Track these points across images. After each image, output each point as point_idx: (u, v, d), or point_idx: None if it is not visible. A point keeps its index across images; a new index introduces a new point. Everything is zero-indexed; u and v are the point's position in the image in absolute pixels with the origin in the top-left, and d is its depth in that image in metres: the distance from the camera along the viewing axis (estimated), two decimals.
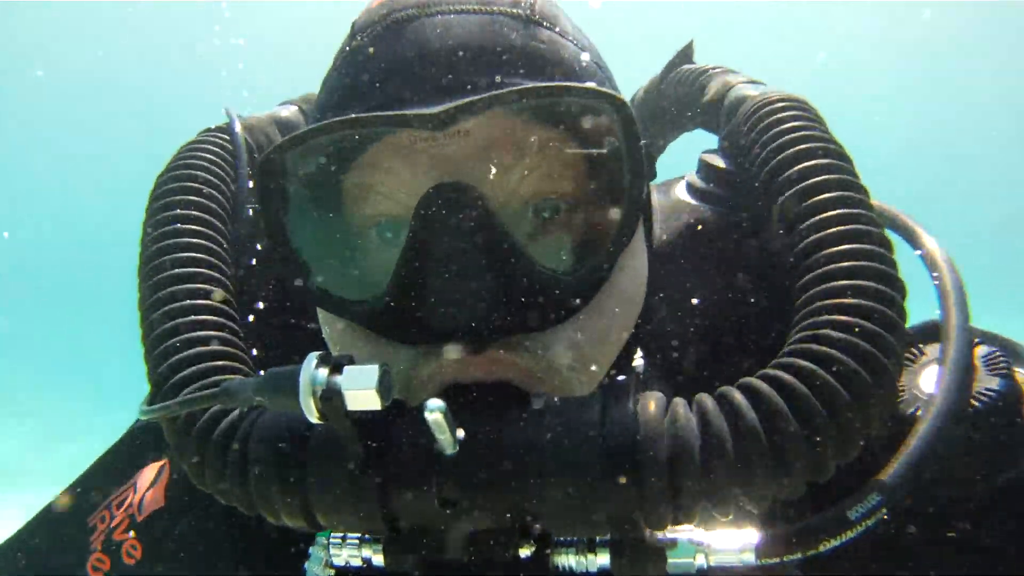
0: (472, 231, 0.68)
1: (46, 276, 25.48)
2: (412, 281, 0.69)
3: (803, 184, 0.79)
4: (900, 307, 0.73)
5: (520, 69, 0.72)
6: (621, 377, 0.71)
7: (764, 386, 0.67)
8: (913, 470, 0.74)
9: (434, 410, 0.62)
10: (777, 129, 0.84)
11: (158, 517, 1.02)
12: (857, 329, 0.69)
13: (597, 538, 0.71)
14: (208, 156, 0.92)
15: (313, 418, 0.65)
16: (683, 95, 1.21)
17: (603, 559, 0.70)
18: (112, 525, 1.05)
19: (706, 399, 0.69)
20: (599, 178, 0.74)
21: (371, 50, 0.75)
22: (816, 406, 0.66)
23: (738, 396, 0.67)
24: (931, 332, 0.93)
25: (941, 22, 23.20)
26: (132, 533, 1.03)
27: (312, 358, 0.65)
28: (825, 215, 0.76)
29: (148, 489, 1.05)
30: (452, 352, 0.70)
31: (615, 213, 0.72)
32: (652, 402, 0.67)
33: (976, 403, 0.82)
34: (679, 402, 0.69)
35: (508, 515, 0.66)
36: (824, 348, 0.68)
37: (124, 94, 23.86)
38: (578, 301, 0.73)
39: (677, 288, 0.93)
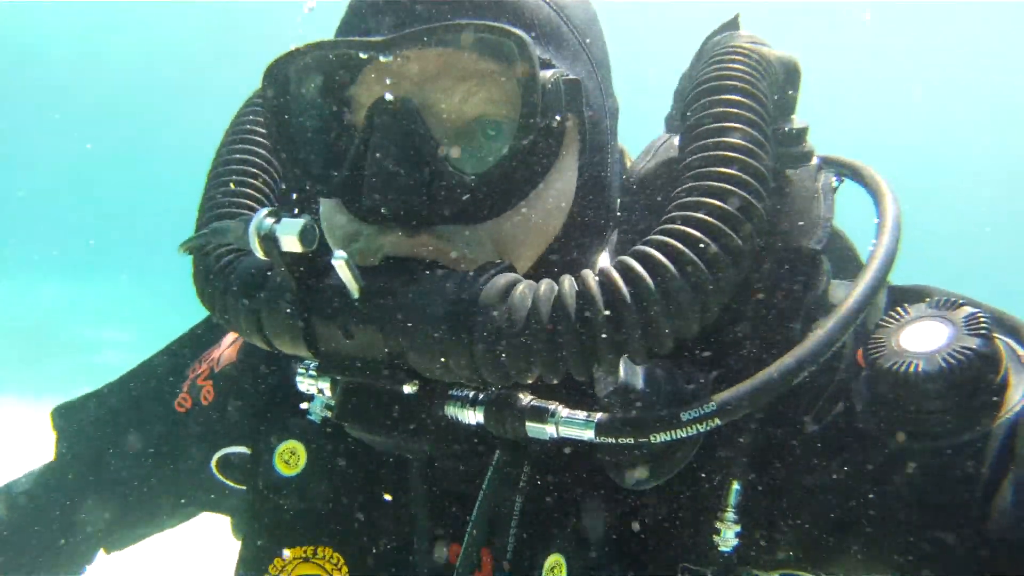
0: (404, 135, 0.84)
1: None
2: (360, 171, 0.86)
3: (689, 125, 0.89)
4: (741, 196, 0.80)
5: (467, 10, 0.87)
6: (498, 261, 0.84)
7: (596, 279, 0.78)
8: (757, 391, 0.80)
9: (338, 258, 0.78)
10: (703, 75, 0.93)
11: (230, 370, 1.24)
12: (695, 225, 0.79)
13: (480, 396, 0.86)
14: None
15: (259, 255, 0.82)
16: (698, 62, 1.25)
17: (479, 415, 0.85)
18: (198, 372, 1.29)
19: (563, 281, 0.80)
20: (511, 106, 0.87)
21: None
22: (624, 299, 0.75)
23: (586, 281, 0.78)
24: (917, 294, 0.98)
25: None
26: (211, 381, 1.26)
27: (263, 211, 0.83)
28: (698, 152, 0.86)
29: (228, 346, 1.28)
30: (388, 232, 0.86)
31: (522, 137, 0.85)
32: (503, 279, 0.80)
33: (952, 360, 0.84)
34: (528, 283, 0.80)
35: (386, 350, 0.81)
36: (666, 239, 0.79)
37: None
38: (496, 207, 0.88)
39: (642, 215, 1.02)
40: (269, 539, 1.09)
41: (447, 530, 1.03)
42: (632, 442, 0.81)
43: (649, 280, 0.76)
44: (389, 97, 0.86)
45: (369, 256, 0.89)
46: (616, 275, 0.78)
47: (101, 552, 1.43)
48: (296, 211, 1.01)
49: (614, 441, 0.82)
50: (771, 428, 0.94)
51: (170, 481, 1.32)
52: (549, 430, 0.84)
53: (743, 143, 0.84)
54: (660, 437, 0.80)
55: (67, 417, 1.39)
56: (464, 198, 0.86)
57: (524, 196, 0.90)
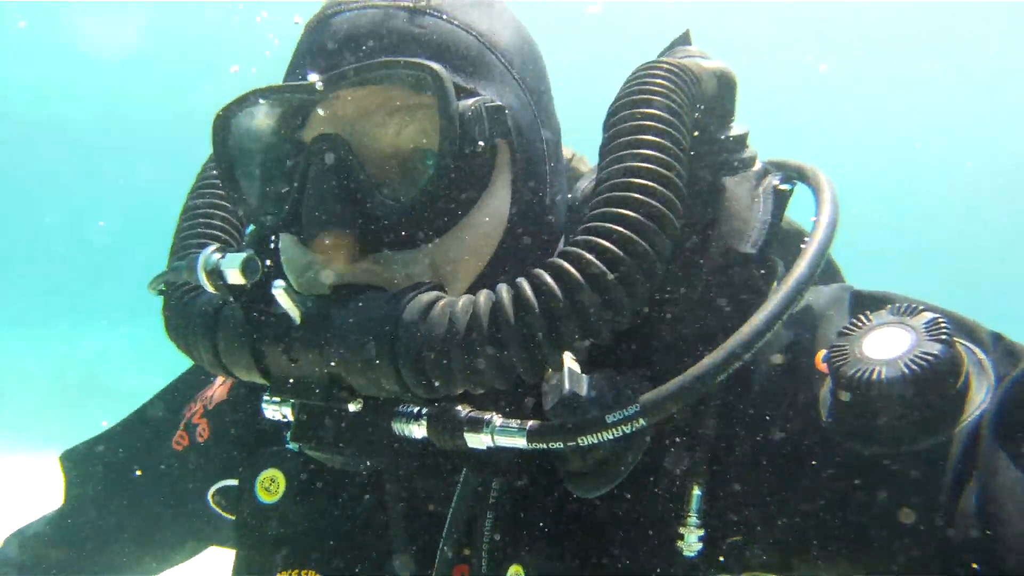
0: (337, 170, 0.89)
1: None
2: (300, 205, 0.91)
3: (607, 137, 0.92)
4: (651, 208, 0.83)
5: (394, 50, 0.92)
6: (425, 282, 0.88)
7: (511, 292, 0.82)
8: (681, 390, 0.82)
9: (277, 287, 0.83)
10: (623, 91, 0.96)
11: (222, 406, 1.30)
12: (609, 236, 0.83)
13: (424, 410, 0.88)
14: None
15: (208, 288, 0.88)
16: None
17: (423, 429, 0.88)
18: (193, 410, 1.35)
19: (478, 296, 0.84)
20: (435, 136, 0.90)
21: (303, 42, 1.00)
22: (534, 312, 0.80)
23: (500, 294, 0.82)
24: (879, 300, 0.99)
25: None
26: (205, 419, 1.32)
27: (210, 247, 0.89)
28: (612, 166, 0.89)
29: (220, 384, 1.34)
30: (333, 262, 0.91)
31: (444, 164, 0.89)
32: (425, 297, 0.84)
33: (914, 366, 0.84)
34: (448, 299, 0.84)
35: (326, 371, 0.85)
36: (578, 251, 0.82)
37: None
38: (431, 232, 0.92)
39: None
40: (255, 565, 1.13)
41: (425, 548, 1.05)
42: (563, 446, 0.83)
43: (554, 285, 0.80)
44: (321, 133, 0.91)
45: (318, 284, 0.93)
46: (522, 289, 0.82)
47: None
48: (254, 245, 1.06)
49: (546, 447, 0.84)
50: (733, 435, 0.96)
51: (175, 518, 1.38)
52: (485, 439, 0.86)
53: (655, 154, 0.87)
54: (588, 440, 0.82)
55: (74, 462, 1.46)
56: (398, 226, 0.90)
57: (457, 220, 0.93)
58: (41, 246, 27.88)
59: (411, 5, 0.95)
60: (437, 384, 0.82)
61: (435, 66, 0.88)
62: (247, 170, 0.99)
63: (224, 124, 0.97)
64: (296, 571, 1.10)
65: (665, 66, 0.96)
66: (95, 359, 17.41)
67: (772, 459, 0.94)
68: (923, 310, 0.91)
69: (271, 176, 0.99)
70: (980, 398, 0.86)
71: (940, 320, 0.88)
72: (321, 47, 0.96)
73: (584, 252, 0.82)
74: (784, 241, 1.10)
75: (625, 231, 0.82)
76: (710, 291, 0.95)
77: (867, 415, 0.87)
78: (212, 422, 1.32)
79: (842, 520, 0.90)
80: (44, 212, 27.85)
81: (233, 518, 1.28)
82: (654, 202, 0.84)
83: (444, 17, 0.96)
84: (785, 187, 1.07)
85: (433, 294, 0.86)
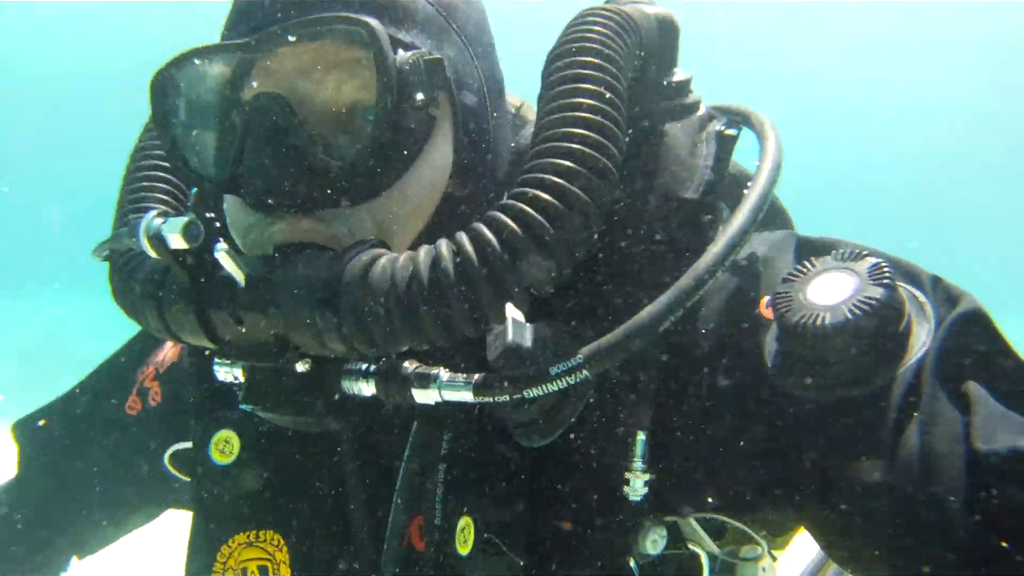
0: (275, 129, 0.87)
1: None
2: (242, 165, 0.90)
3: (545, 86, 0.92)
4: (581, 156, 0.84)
5: (331, 5, 0.90)
6: (368, 239, 0.88)
7: (450, 247, 0.83)
8: (624, 339, 0.84)
9: (220, 251, 0.83)
10: (561, 39, 0.96)
11: (173, 369, 1.30)
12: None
13: (371, 368, 0.89)
14: None
15: (151, 254, 0.87)
16: None
17: (372, 387, 0.89)
18: (145, 374, 1.34)
19: (419, 252, 0.84)
20: (374, 91, 0.89)
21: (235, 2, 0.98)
22: (473, 264, 0.81)
23: (439, 250, 0.83)
24: (825, 246, 1.00)
25: None
26: (157, 382, 1.31)
27: (151, 213, 0.88)
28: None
29: (172, 347, 1.33)
30: (276, 222, 0.90)
31: (382, 119, 0.88)
32: (366, 255, 0.84)
33: (857, 311, 0.86)
34: (389, 255, 0.84)
35: (272, 333, 0.85)
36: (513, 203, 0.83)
37: None
38: (372, 188, 0.91)
39: None
40: (213, 527, 1.13)
41: (380, 502, 1.06)
42: (508, 399, 0.84)
43: (493, 239, 0.81)
44: (259, 94, 0.89)
45: (263, 245, 0.92)
46: (461, 243, 0.82)
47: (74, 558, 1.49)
48: (198, 208, 1.04)
49: (492, 400, 0.85)
50: (678, 382, 0.97)
51: (132, 483, 1.38)
52: (432, 395, 0.88)
53: (591, 102, 0.87)
54: (533, 392, 0.83)
55: (26, 431, 1.45)
56: (340, 183, 0.90)
57: (400, 175, 0.93)
58: None
59: None
60: (380, 342, 0.82)
61: (371, 21, 0.87)
62: (187, 132, 0.97)
63: (162, 85, 0.95)
64: (254, 531, 1.11)
65: (604, 13, 0.96)
66: (53, 327, 17.08)
67: (718, 406, 0.96)
68: (867, 255, 0.93)
69: (211, 137, 0.98)
70: (921, 340, 0.89)
71: (883, 265, 0.90)
72: (259, 2, 0.93)
73: (522, 204, 0.82)
74: (731, 186, 1.11)
75: (561, 181, 0.83)
76: (652, 237, 0.95)
77: (812, 360, 0.89)
78: (164, 385, 1.31)
79: (788, 465, 0.92)
80: None
81: (189, 479, 1.28)
82: (590, 151, 0.84)
83: None
84: (731, 132, 1.07)
85: (374, 252, 0.85)
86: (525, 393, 0.83)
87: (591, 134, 0.85)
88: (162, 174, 1.10)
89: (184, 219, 0.86)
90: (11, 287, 20.34)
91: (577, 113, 0.86)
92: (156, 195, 1.08)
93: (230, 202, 0.98)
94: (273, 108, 0.88)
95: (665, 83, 1.03)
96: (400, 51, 0.90)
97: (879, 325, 0.86)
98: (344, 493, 1.09)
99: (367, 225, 0.92)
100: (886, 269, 0.89)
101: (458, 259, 0.81)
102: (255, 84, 0.93)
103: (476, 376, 0.87)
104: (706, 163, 0.99)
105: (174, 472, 1.31)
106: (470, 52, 1.01)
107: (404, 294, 0.81)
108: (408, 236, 0.96)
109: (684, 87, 1.04)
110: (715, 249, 0.88)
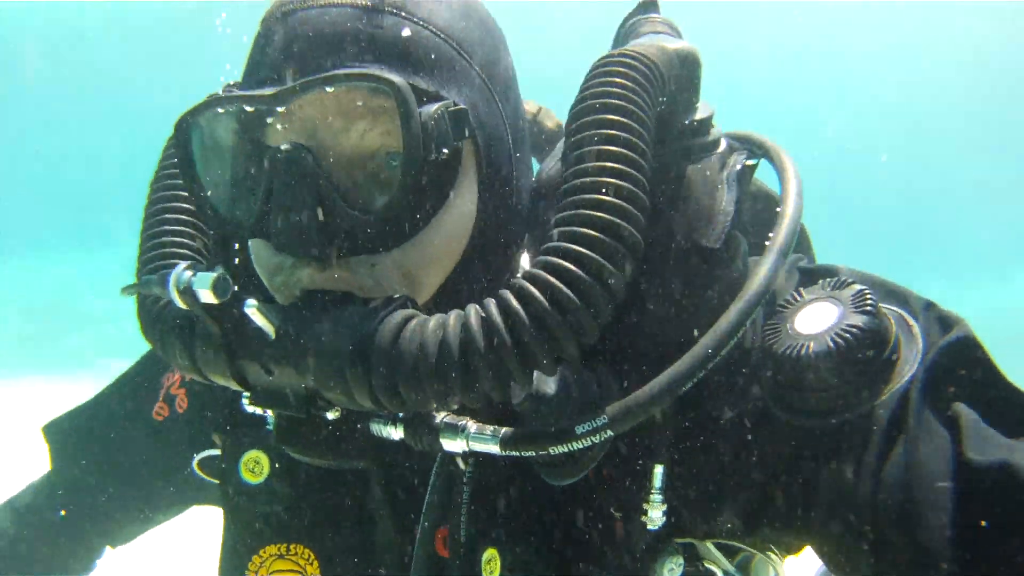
0: (299, 178, 0.88)
1: None
2: (268, 214, 0.90)
3: (574, 143, 0.92)
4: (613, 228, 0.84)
5: (351, 54, 0.90)
6: (396, 295, 0.89)
7: (479, 317, 0.83)
8: (650, 400, 0.86)
9: (250, 307, 0.85)
10: (585, 89, 0.95)
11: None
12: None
13: (401, 415, 0.91)
14: None
15: (181, 306, 0.88)
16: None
17: (401, 432, 0.92)
18: (171, 380, 1.37)
19: (448, 317, 0.85)
20: (399, 139, 0.89)
21: (261, 38, 0.97)
22: (495, 337, 0.81)
23: (469, 319, 0.83)
24: (824, 275, 1.02)
25: None
26: (184, 389, 1.34)
27: (181, 265, 0.88)
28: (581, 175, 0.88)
29: None
30: (303, 267, 0.92)
31: (408, 175, 0.89)
32: (397, 316, 0.85)
33: (839, 339, 0.89)
34: (419, 319, 0.85)
35: (303, 385, 0.87)
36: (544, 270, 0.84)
37: None
38: (397, 237, 0.92)
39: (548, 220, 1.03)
40: (245, 539, 1.18)
41: (407, 523, 1.11)
42: (534, 455, 0.87)
43: (522, 312, 0.82)
44: (285, 146, 0.89)
45: (290, 288, 0.94)
46: (491, 314, 0.83)
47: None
48: (222, 246, 1.07)
49: (518, 454, 0.87)
50: (690, 415, 1.00)
51: (161, 482, 1.43)
52: (460, 444, 0.90)
53: (615, 166, 0.87)
54: (558, 449, 0.86)
55: (58, 433, 1.50)
56: (366, 232, 0.91)
57: (426, 223, 0.93)
58: None
59: (368, 3, 0.92)
60: (410, 403, 0.84)
61: (395, 79, 0.87)
62: (211, 176, 0.98)
63: (184, 131, 0.96)
64: (284, 544, 1.15)
65: (626, 62, 0.95)
66: (61, 286, 17.18)
67: (724, 437, 0.99)
68: (852, 282, 0.96)
69: (235, 182, 0.98)
70: (909, 365, 0.91)
71: (866, 292, 0.93)
72: (283, 48, 0.93)
73: (551, 277, 0.83)
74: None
75: (590, 253, 0.83)
76: (671, 286, 0.97)
77: (799, 389, 0.92)
78: (190, 393, 1.35)
79: (787, 491, 0.96)
80: None
81: (218, 482, 1.33)
82: (617, 220, 0.84)
83: (403, 15, 0.94)
84: (751, 163, 1.09)
85: (403, 314, 0.86)
86: (550, 450, 0.86)
87: (619, 203, 0.85)
88: (185, 206, 1.11)
89: (213, 275, 0.87)
90: (18, 247, 20.39)
91: (602, 178, 0.86)
92: (181, 228, 1.09)
93: (256, 243, 0.99)
94: (298, 158, 0.88)
95: (687, 122, 1.03)
96: (426, 102, 0.90)
97: (861, 352, 0.89)
98: (371, 513, 1.13)
99: (392, 273, 0.93)
100: (868, 296, 0.92)
101: (488, 331, 0.82)
102: (279, 129, 0.93)
103: (504, 430, 0.89)
104: (727, 209, 0.99)
105: (204, 476, 1.35)
106: (490, 90, 1.01)
107: (434, 362, 0.82)
108: (434, 282, 0.98)
109: (705, 125, 1.04)
110: (737, 306, 0.90)
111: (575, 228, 0.85)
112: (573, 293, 0.82)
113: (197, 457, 1.34)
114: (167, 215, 1.09)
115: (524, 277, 0.85)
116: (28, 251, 20.19)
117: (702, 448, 1.00)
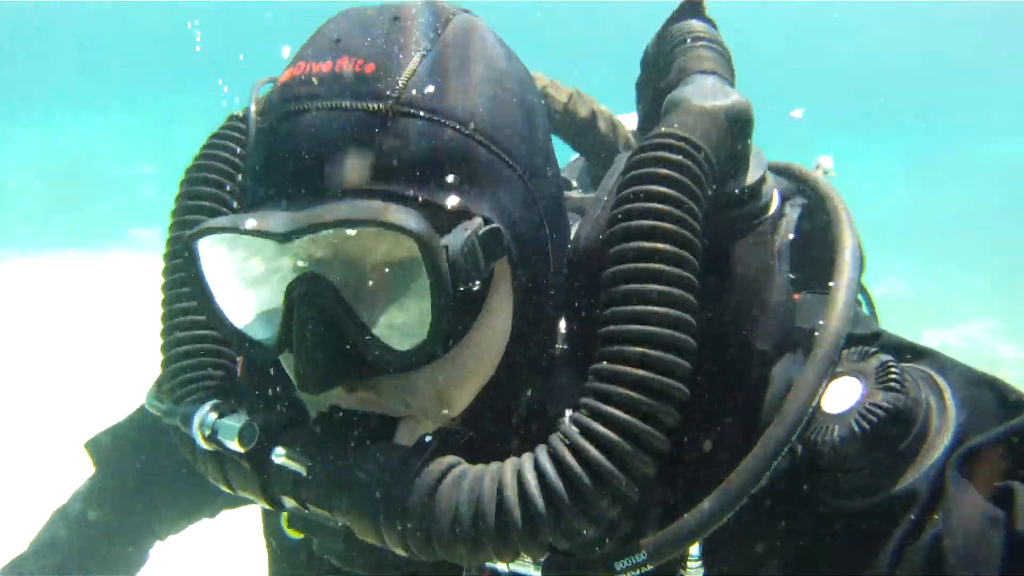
0: (321, 311, 0.83)
1: None
2: (288, 345, 0.87)
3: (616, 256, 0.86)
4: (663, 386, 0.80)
5: (365, 177, 0.81)
6: (428, 438, 0.87)
7: (515, 482, 0.80)
8: (689, 533, 0.85)
9: (278, 456, 0.85)
10: (629, 172, 0.89)
11: None
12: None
13: None
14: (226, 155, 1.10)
15: (205, 448, 0.89)
16: (653, 66, 1.16)
17: None
18: None
19: (484, 475, 0.82)
20: (423, 277, 0.82)
21: (267, 135, 0.87)
22: (541, 498, 0.79)
23: (504, 481, 0.80)
24: (862, 341, 0.97)
25: None
26: None
27: (205, 407, 0.89)
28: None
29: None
30: (325, 395, 0.88)
31: (440, 315, 0.81)
32: (434, 468, 0.83)
33: (864, 422, 0.86)
34: (456, 473, 0.83)
35: (339, 523, 0.87)
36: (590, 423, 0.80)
37: None
38: (427, 357, 0.86)
39: (586, 291, 0.99)
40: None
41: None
42: None
43: (578, 473, 0.79)
44: (301, 272, 0.85)
45: (320, 404, 0.91)
46: (526, 482, 0.80)
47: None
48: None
49: None
50: None
51: (197, 496, 1.52)
52: (501, 567, 0.91)
53: (662, 288, 0.82)
54: None
55: (100, 447, 1.58)
56: (390, 356, 0.86)
57: (456, 342, 0.88)
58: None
59: (382, 107, 0.81)
60: (441, 555, 0.83)
61: (416, 229, 0.78)
62: (223, 295, 0.92)
63: (191, 251, 0.89)
64: None
65: (676, 146, 0.87)
66: (78, 149, 17.08)
67: (757, 512, 0.96)
68: (874, 353, 0.92)
69: (250, 307, 0.94)
70: (943, 439, 0.88)
71: (890, 365, 0.89)
72: (291, 158, 0.83)
73: (586, 443, 0.79)
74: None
75: (632, 419, 0.79)
76: (717, 392, 0.93)
77: (829, 470, 0.90)
78: None
79: (815, 567, 0.96)
80: None
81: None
82: (663, 377, 0.80)
83: (422, 114, 0.82)
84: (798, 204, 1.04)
85: (440, 467, 0.83)
86: None
87: (666, 333, 0.81)
88: (203, 331, 1.05)
89: (239, 425, 0.86)
90: (32, 110, 20.11)
91: (649, 307, 0.81)
92: (204, 359, 1.04)
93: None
94: (317, 291, 0.83)
95: (737, 191, 0.95)
96: (453, 225, 0.82)
97: (886, 433, 0.86)
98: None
99: (425, 390, 0.89)
100: (892, 370, 0.88)
101: (523, 497, 0.79)
102: (294, 260, 0.88)
103: (546, 556, 0.88)
104: (779, 299, 0.93)
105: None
106: (528, 188, 0.90)
107: (469, 523, 0.80)
108: (466, 398, 0.93)
109: (756, 190, 0.96)
110: (778, 430, 0.86)
111: (616, 389, 0.80)
112: (612, 463, 0.78)
113: None
114: (187, 311, 1.05)
115: (561, 434, 0.82)
116: (42, 115, 19.92)
117: (740, 520, 0.96)
